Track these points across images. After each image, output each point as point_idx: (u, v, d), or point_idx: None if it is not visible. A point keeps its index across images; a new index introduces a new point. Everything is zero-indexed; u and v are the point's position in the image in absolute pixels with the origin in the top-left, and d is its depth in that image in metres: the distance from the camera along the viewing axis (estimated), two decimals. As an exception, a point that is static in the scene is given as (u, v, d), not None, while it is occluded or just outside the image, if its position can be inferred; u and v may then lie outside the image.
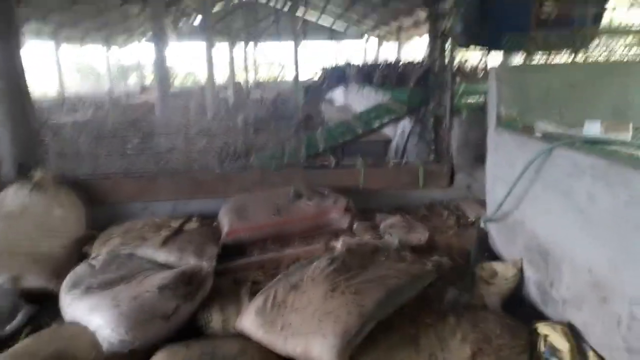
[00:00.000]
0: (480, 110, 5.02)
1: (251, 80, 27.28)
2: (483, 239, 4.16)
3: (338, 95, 17.98)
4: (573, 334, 2.83)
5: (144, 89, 27.86)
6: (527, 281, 3.48)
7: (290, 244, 4.25)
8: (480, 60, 8.62)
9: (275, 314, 3.19)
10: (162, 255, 3.97)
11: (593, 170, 2.63)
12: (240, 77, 23.08)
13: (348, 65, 16.79)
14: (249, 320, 3.21)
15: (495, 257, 3.99)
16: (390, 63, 13.82)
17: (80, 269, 3.80)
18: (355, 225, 4.57)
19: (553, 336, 2.85)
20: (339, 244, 3.97)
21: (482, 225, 4.24)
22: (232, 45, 17.99)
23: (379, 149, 8.01)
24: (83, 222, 4.69)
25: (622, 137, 2.95)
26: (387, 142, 8.00)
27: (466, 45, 5.44)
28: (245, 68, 23.56)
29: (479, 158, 5.05)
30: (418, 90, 5.67)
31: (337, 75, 16.65)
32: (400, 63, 13.56)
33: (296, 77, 4.68)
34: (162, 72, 8.21)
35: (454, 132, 5.03)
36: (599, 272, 2.62)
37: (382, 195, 5.13)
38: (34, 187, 4.56)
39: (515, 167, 3.55)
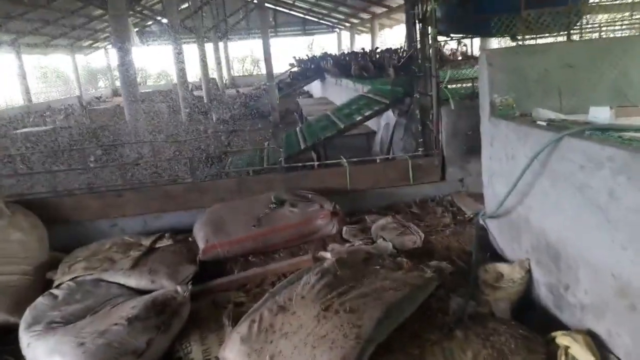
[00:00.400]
0: (469, 98, 4.71)
1: (225, 76, 26.71)
2: (483, 237, 3.85)
3: (315, 87, 17.60)
4: (596, 343, 2.53)
5: (115, 92, 27.06)
6: (537, 284, 3.18)
7: (274, 257, 3.89)
8: (464, 45, 8.31)
9: (263, 340, 2.84)
10: (132, 280, 3.57)
11: (612, 162, 2.31)
12: (214, 75, 22.48)
13: (324, 56, 16.39)
14: (234, 350, 2.86)
15: (497, 257, 3.69)
16: (367, 52, 13.46)
17: (41, 301, 3.39)
18: (344, 230, 4.23)
19: (575, 348, 2.55)
20: (328, 254, 3.62)
21: (480, 221, 3.93)
22: (201, 42, 17.40)
23: (363, 143, 7.66)
24: (46, 245, 4.25)
25: (636, 122, 2.65)
26: (371, 134, 7.66)
27: (448, 32, 5.12)
28: (219, 65, 22.94)
29: (471, 149, 4.74)
30: (400, 80, 5.34)
31: (313, 68, 16.24)
32: (378, 51, 13.21)
33: (269, 73, 4.28)
34: (127, 74, 7.71)
35: (443, 122, 4.71)
36: (624, 277, 2.31)
37: (370, 194, 4.79)
38: (-15, 211, 4.10)
39: (516, 160, 3.24)
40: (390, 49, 12.59)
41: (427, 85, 4.86)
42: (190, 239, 4.09)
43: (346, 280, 3.22)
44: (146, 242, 4.06)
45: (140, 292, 3.52)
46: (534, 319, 3.06)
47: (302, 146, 6.19)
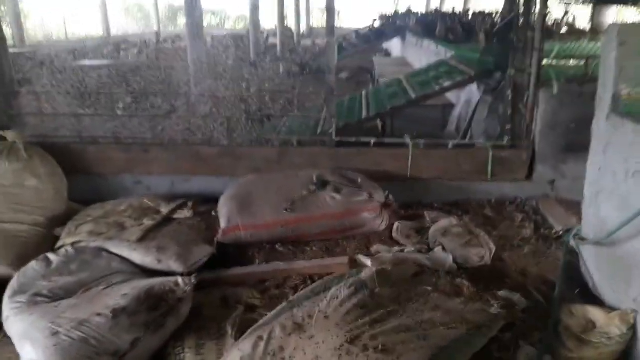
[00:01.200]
0: (578, 83, 3.68)
1: (304, 26, 25.80)
2: (573, 265, 2.98)
3: (395, 46, 16.38)
4: None
5: (193, 31, 26.93)
6: (645, 350, 2.32)
7: (305, 249, 3.23)
8: (572, 15, 6.97)
9: (267, 367, 2.24)
10: (137, 255, 3.05)
11: None
12: (291, 23, 21.67)
13: (407, 13, 15.06)
14: (231, 372, 2.28)
15: (590, 296, 2.81)
16: (456, 13, 12.08)
17: (32, 266, 2.95)
18: (395, 227, 3.48)
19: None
20: (368, 261, 2.91)
21: (571, 243, 3.04)
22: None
23: (437, 116, 6.71)
24: (63, 196, 3.84)
25: None
26: (448, 107, 6.67)
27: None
28: (298, 12, 22.03)
29: (570, 146, 3.77)
30: (493, 49, 4.35)
31: (394, 24, 14.99)
32: (470, 13, 11.80)
33: (330, 26, 3.56)
34: (193, 11, 7.17)
35: (540, 108, 3.74)
36: None
37: (435, 185, 3.97)
38: (2, 151, 3.72)
39: (645, 179, 2.32)
40: (484, 12, 11.18)
41: (526, 60, 3.86)
42: (213, 212, 3.50)
43: (385, 303, 2.54)
44: (165, 209, 3.52)
45: (145, 270, 3.02)
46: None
47: (365, 115, 5.38)
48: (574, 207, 3.79)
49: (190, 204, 3.61)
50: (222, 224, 3.23)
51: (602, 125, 2.78)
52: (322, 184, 3.47)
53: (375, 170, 3.89)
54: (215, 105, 3.94)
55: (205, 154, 3.93)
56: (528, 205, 3.83)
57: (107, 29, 19.81)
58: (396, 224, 3.50)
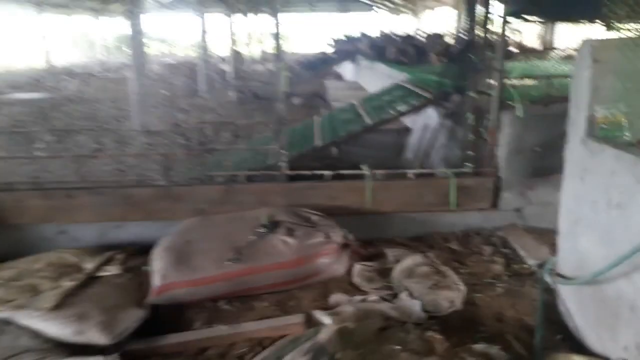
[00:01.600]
0: (542, 103, 3.48)
1: (250, 52, 25.58)
2: (551, 305, 2.69)
3: (347, 70, 16.31)
4: None
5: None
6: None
7: (253, 306, 2.80)
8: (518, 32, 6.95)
9: None
10: (52, 326, 2.55)
11: None
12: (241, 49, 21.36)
13: (359, 36, 15.04)
14: None
15: (572, 340, 2.53)
16: (408, 35, 12.07)
17: None
18: (355, 271, 3.12)
19: None
20: (327, 318, 2.53)
21: (547, 278, 2.75)
22: (230, 13, 16.29)
23: (392, 141, 6.44)
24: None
25: None
26: (403, 131, 6.42)
27: (519, 13, 3.89)
28: (249, 38, 21.79)
29: (536, 172, 3.55)
30: (450, 70, 4.13)
31: (345, 48, 14.92)
32: (422, 34, 11.81)
33: (278, 52, 3.26)
34: (137, 41, 6.75)
35: (503, 132, 3.51)
36: None
37: (396, 219, 3.65)
38: None
39: (627, 212, 2.06)
40: (435, 33, 11.20)
41: (486, 81, 3.65)
42: (146, 267, 3.03)
43: (347, 371, 2.14)
44: (90, 264, 3.03)
45: (62, 344, 2.52)
46: None
47: (319, 143, 5.05)
48: (544, 236, 3.55)
49: (120, 256, 3.13)
50: (156, 281, 2.77)
51: (576, 150, 2.53)
52: (273, 226, 3.08)
53: (331, 205, 3.55)
54: (150, 141, 3.51)
55: (139, 196, 3.47)
56: (495, 236, 3.55)
57: (48, 59, 18.90)
58: (356, 267, 3.14)
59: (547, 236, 3.54)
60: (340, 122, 5.55)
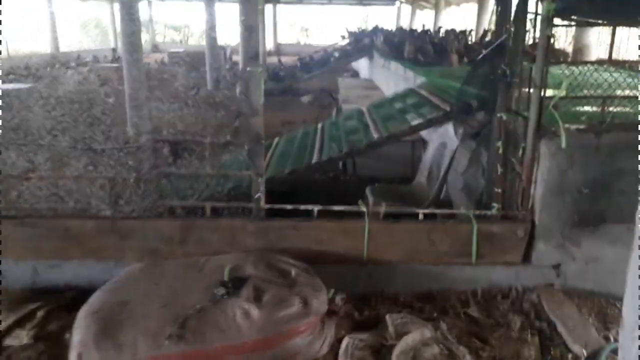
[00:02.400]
0: (594, 132, 2.69)
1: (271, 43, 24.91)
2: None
3: (363, 66, 15.47)
4: None
5: (155, 47, 25.64)
6: None
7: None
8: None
9: None
10: None
11: None
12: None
13: (374, 31, 14.17)
14: None
15: None
16: (427, 31, 11.16)
17: None
18: (344, 346, 2.39)
19: None
20: None
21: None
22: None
23: (405, 153, 5.69)
24: None
25: None
26: (418, 143, 5.65)
27: (569, 14, 3.09)
28: (262, 28, 21.03)
29: (582, 219, 2.77)
30: (476, 77, 3.34)
31: (360, 44, 14.06)
32: (441, 31, 10.92)
33: (253, 51, 2.64)
34: (130, 28, 6.06)
35: (541, 166, 2.73)
36: None
37: (401, 270, 2.91)
38: None
39: None
40: (456, 30, 10.31)
41: (520, 98, 2.88)
42: (68, 334, 2.33)
43: None
44: (-2, 326, 2.35)
45: None
46: None
47: (316, 158, 4.32)
48: (591, 303, 2.79)
49: (41, 313, 2.44)
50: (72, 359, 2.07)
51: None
52: (235, 285, 2.36)
53: (320, 251, 2.82)
54: (93, 161, 2.81)
55: (79, 229, 2.77)
56: (527, 301, 2.78)
57: (55, 45, 18.36)
58: (345, 342, 2.40)
59: (595, 304, 2.77)
60: (344, 132, 4.79)
